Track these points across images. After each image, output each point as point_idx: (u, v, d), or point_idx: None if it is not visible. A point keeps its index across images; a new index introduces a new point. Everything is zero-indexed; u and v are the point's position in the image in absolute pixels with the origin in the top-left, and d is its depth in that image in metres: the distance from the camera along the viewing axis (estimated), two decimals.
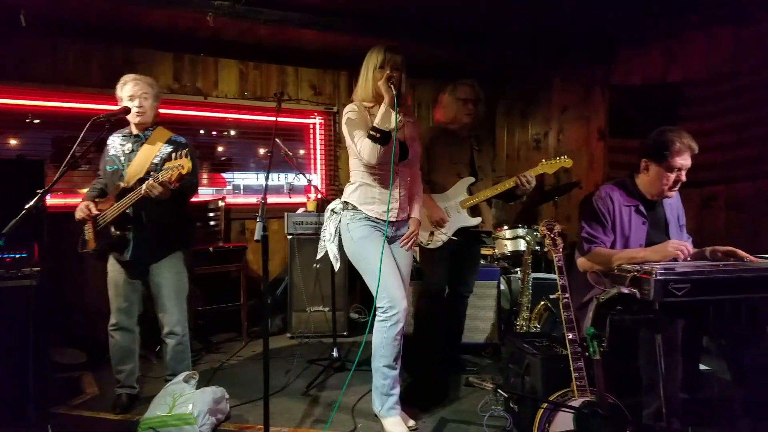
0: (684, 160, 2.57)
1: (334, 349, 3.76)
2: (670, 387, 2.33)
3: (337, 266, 2.90)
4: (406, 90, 2.71)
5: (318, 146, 5.30)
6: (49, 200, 3.91)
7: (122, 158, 3.02)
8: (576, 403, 2.35)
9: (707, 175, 4.08)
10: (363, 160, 2.65)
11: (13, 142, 4.26)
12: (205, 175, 4.99)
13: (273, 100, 4.92)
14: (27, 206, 2.47)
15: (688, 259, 2.48)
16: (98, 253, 3.05)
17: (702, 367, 3.03)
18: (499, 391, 1.90)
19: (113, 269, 3.07)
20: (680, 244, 2.46)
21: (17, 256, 2.91)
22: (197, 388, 2.98)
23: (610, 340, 2.55)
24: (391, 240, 2.82)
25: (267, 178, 2.53)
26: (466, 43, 4.55)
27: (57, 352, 3.83)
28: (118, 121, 2.94)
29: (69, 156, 2.70)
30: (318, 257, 2.93)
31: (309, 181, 3.54)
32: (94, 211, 2.97)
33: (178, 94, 4.59)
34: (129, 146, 3.03)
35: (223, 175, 5.11)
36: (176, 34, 4.25)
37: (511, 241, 4.36)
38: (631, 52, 4.61)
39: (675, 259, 2.48)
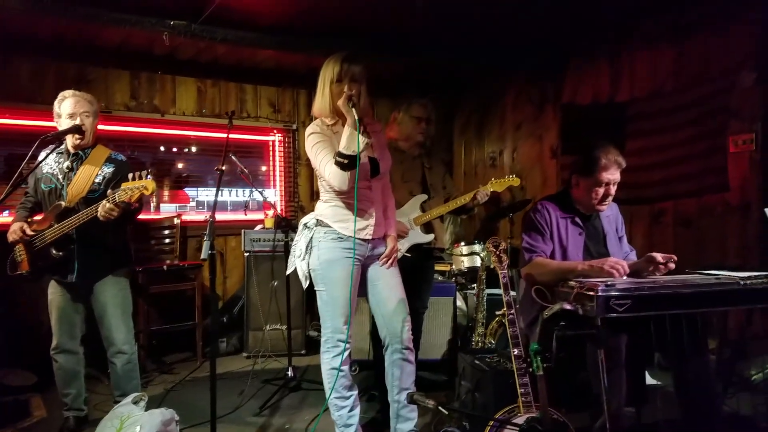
0: (611, 175, 2.65)
1: (289, 369, 3.74)
2: (614, 401, 2.38)
3: (305, 285, 2.66)
4: (365, 101, 2.52)
5: (277, 163, 5.32)
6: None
7: (60, 176, 2.93)
8: (521, 419, 2.39)
9: (656, 192, 4.22)
10: (333, 188, 2.48)
11: None
12: (166, 192, 4.93)
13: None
14: None
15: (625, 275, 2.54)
16: (33, 275, 2.92)
17: (651, 381, 3.13)
18: (440, 408, 1.92)
19: (54, 291, 2.98)
20: (617, 262, 2.51)
21: None
22: (146, 410, 2.91)
23: (558, 356, 2.62)
24: (368, 259, 2.66)
25: (216, 195, 2.53)
26: (418, 60, 4.62)
27: (5, 374, 3.72)
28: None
29: (16, 175, 2.66)
30: (287, 272, 2.78)
31: (265, 198, 3.55)
32: (29, 232, 2.86)
33: (135, 111, 4.56)
34: (67, 164, 2.93)
35: (187, 191, 5.06)
36: (133, 52, 4.24)
37: (468, 257, 4.43)
38: (580, 71, 4.74)
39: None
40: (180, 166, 5.12)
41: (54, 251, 2.84)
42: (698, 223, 3.95)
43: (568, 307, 2.43)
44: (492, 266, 2.76)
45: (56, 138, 2.84)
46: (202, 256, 2.32)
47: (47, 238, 2.83)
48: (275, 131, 5.28)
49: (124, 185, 2.67)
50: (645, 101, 4.24)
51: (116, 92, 4.48)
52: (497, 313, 3.81)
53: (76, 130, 2.89)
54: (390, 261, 2.67)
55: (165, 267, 4.22)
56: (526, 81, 5.25)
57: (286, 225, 3.69)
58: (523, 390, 2.45)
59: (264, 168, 5.36)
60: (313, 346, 4.66)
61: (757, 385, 3.21)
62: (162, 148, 4.98)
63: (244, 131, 5.07)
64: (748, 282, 2.41)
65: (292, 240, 3.86)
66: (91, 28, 3.72)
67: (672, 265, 2.54)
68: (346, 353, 2.55)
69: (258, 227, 4.61)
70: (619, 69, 4.44)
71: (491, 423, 2.43)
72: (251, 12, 3.73)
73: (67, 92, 2.98)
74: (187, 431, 3.05)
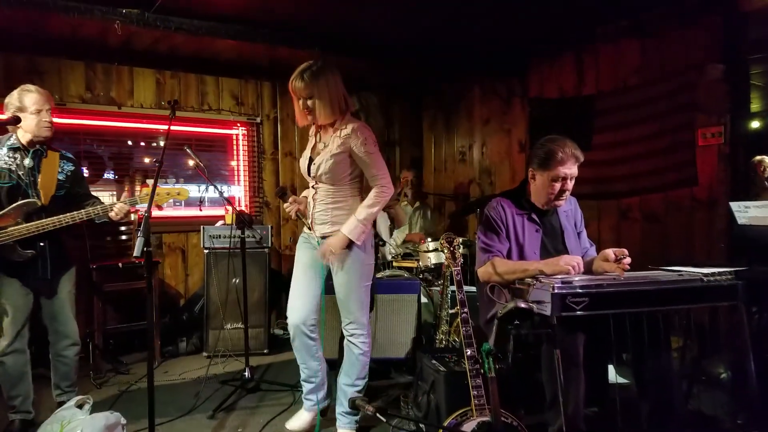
0: (568, 169, 2.58)
1: (246, 369, 3.62)
2: (571, 403, 2.32)
3: None
4: (320, 109, 2.67)
5: (241, 157, 5.18)
6: None
7: (21, 173, 2.85)
8: (473, 423, 2.30)
9: (623, 187, 4.18)
10: None
11: None
12: (126, 187, 4.77)
13: (192, 110, 4.79)
14: None
15: (581, 273, 2.47)
16: None
17: (618, 379, 3.06)
18: (378, 416, 1.82)
19: (11, 290, 2.86)
20: (572, 259, 2.46)
21: None
22: (92, 413, 2.79)
23: (515, 356, 2.55)
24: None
25: (154, 189, 2.42)
26: (384, 55, 4.54)
27: None
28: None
29: None
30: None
31: (221, 193, 3.41)
32: None
33: (90, 104, 4.40)
34: (28, 161, 2.88)
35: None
36: (86, 42, 4.06)
37: (434, 253, 4.34)
38: (547, 65, 4.71)
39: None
40: (147, 160, 4.95)
41: (21, 249, 2.79)
42: (665, 218, 3.93)
43: (522, 305, 2.37)
44: (445, 262, 2.68)
45: None
46: (135, 254, 2.19)
47: (11, 235, 2.76)
48: (239, 125, 5.15)
49: (159, 189, 2.86)
50: (611, 96, 4.22)
51: (70, 84, 4.32)
52: (450, 311, 3.73)
53: (15, 121, 2.80)
54: (319, 254, 2.77)
55: (120, 264, 4.07)
56: (493, 75, 5.19)
57: (244, 221, 3.55)
58: (475, 392, 2.38)
59: (234, 163, 5.22)
60: (276, 345, 4.57)
61: (726, 383, 3.16)
62: (130, 142, 4.81)
63: (205, 124, 4.92)
64: (711, 279, 2.37)
65: (249, 236, 3.79)
66: (39, 17, 3.55)
67: (627, 260, 2.47)
68: (296, 341, 2.89)
69: (219, 223, 4.50)
70: (585, 63, 4.40)
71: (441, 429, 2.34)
72: (207, 0, 3.60)
73: (31, 86, 2.92)
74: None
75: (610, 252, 2.51)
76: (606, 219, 4.28)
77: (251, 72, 4.93)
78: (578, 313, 2.24)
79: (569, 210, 2.83)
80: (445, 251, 2.62)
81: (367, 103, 3.51)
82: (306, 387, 2.98)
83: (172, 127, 4.63)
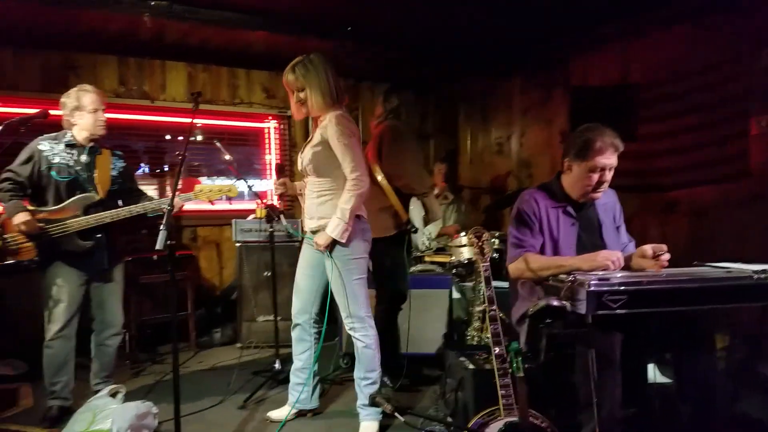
0: (606, 159, 2.43)
1: (277, 361, 3.62)
2: (606, 405, 2.21)
3: None
4: (311, 101, 2.75)
5: (273, 151, 5.18)
6: None
7: (78, 168, 3.01)
8: (500, 423, 2.21)
9: (669, 179, 3.99)
10: None
11: None
12: (168, 182, 4.83)
13: (224, 104, 4.81)
14: None
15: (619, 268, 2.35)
16: (43, 263, 2.96)
17: (660, 378, 2.91)
18: (396, 415, 1.76)
19: (66, 278, 2.99)
20: (611, 254, 2.33)
21: None
22: (125, 401, 2.85)
23: (548, 355, 2.45)
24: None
25: (176, 182, 2.41)
26: (417, 46, 4.45)
27: None
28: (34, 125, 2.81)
29: None
30: None
31: (250, 188, 3.41)
32: (38, 224, 2.89)
33: (124, 98, 4.47)
34: (85, 158, 3.04)
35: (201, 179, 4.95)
36: (118, 36, 4.11)
37: (467, 248, 4.22)
38: (590, 53, 4.52)
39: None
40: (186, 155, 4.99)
41: (80, 240, 2.95)
42: (714, 212, 3.72)
43: (554, 303, 2.26)
44: (474, 258, 2.59)
45: (22, 123, 2.74)
46: (158, 247, 2.19)
47: (71, 227, 2.92)
48: (270, 117, 5.14)
49: (211, 186, 2.98)
50: (658, 84, 4.02)
51: (104, 78, 4.40)
52: (477, 308, 3.65)
53: (43, 115, 2.83)
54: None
55: (155, 257, 4.13)
56: (533, 64, 5.02)
57: (272, 215, 3.54)
58: (503, 392, 2.27)
59: (268, 157, 5.23)
60: None
61: None
62: (168, 137, 4.87)
63: (238, 118, 4.93)
64: (762, 276, 2.19)
65: (277, 230, 3.79)
66: (71, 13, 3.61)
67: (665, 257, 2.33)
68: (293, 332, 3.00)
69: (250, 217, 4.51)
70: (630, 51, 4.20)
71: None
72: None
73: (88, 87, 3.07)
74: (170, 423, 2.94)
75: (647, 248, 2.37)
76: (650, 213, 4.09)
77: (282, 64, 4.87)
78: (615, 311, 2.11)
79: (608, 203, 2.68)
80: (474, 246, 2.52)
81: (405, 100, 3.46)
82: (292, 380, 3.03)
83: (206, 122, 4.72)
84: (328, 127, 2.69)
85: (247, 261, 4.30)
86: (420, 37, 4.41)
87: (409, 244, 3.41)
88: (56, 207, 2.97)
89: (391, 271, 3.42)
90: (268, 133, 5.18)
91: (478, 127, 5.81)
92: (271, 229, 3.65)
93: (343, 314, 2.84)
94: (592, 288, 2.10)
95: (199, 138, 4.93)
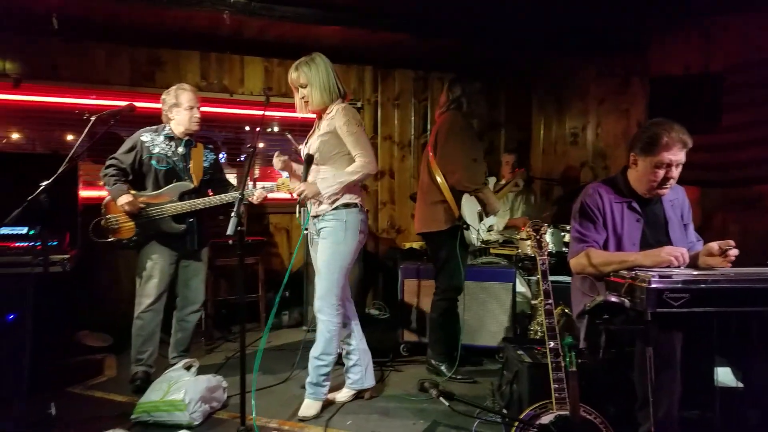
0: (673, 155, 2.35)
1: (340, 345, 3.73)
2: (663, 405, 2.16)
3: None
4: (312, 97, 2.89)
5: None
6: (82, 193, 4.12)
7: (176, 159, 3.31)
8: (551, 415, 2.21)
9: (754, 172, 3.74)
10: None
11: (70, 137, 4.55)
12: (257, 170, 5.11)
13: None
14: (29, 198, 2.61)
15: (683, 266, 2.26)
16: (139, 242, 3.28)
17: (728, 383, 2.78)
18: (441, 399, 1.81)
19: (159, 256, 3.29)
20: (675, 249, 2.26)
21: (49, 244, 3.02)
22: (197, 375, 3.05)
23: (607, 351, 2.41)
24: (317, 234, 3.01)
25: (246, 172, 2.55)
26: (488, 34, 4.40)
27: (86, 336, 4.06)
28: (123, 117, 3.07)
29: (72, 151, 2.84)
30: None
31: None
32: (140, 206, 3.20)
33: (205, 91, 4.71)
34: (182, 149, 3.34)
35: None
36: (200, 33, 4.36)
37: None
38: (670, 39, 4.29)
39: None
40: (261, 145, 5.24)
41: (174, 224, 3.25)
42: None
43: (612, 299, 2.23)
44: (531, 252, 2.57)
45: (112, 116, 3.00)
46: (228, 232, 2.35)
47: (167, 211, 3.23)
48: None
49: (280, 180, 3.23)
50: (743, 70, 3.75)
51: (188, 73, 4.68)
52: (533, 302, 3.59)
53: (131, 109, 3.11)
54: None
55: (230, 242, 4.36)
56: (609, 52, 4.82)
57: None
58: (556, 385, 2.26)
59: None
60: (371, 324, 4.65)
61: None
62: (247, 128, 5.11)
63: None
64: None
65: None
66: (156, 11, 3.86)
67: (733, 252, 2.22)
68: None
69: None
70: (712, 36, 3.95)
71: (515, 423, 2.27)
72: None
73: (185, 85, 3.38)
74: (237, 397, 3.13)
75: (714, 245, 2.27)
76: (730, 209, 3.86)
77: (353, 57, 5.02)
78: (676, 309, 2.06)
79: (676, 199, 2.59)
80: (531, 240, 2.51)
81: (469, 90, 3.45)
82: (345, 363, 3.19)
83: (281, 114, 4.89)
84: (335, 117, 2.85)
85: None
86: (491, 25, 4.35)
87: (462, 239, 3.41)
88: (155, 192, 3.28)
89: (445, 264, 3.47)
90: None
91: (552, 117, 5.66)
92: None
93: (316, 294, 2.94)
94: (653, 285, 2.07)
95: (276, 129, 5.14)
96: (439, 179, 3.42)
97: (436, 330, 3.55)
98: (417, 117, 5.52)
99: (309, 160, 2.88)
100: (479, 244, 3.42)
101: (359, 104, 5.22)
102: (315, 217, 2.98)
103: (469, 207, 3.40)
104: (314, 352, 2.98)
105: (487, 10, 4.10)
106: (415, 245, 4.83)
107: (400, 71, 5.41)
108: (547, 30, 4.47)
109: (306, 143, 3.03)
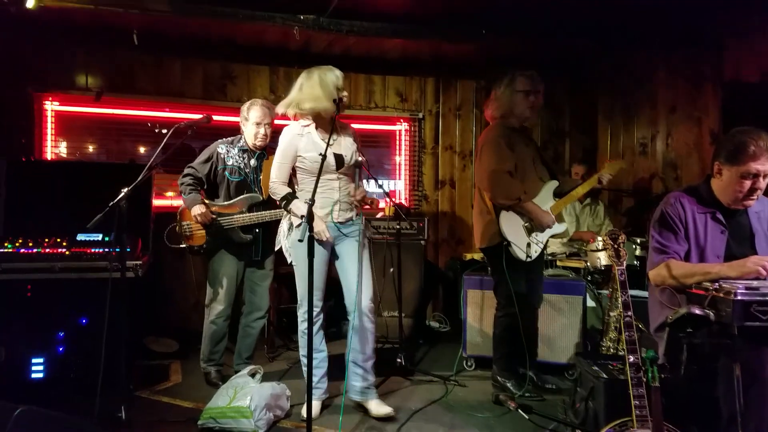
0: (761, 165, 2.24)
1: (401, 356, 3.72)
2: (752, 424, 2.06)
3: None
4: None
5: (403, 152, 5.33)
6: (156, 201, 4.29)
7: (248, 171, 3.42)
8: None
9: None
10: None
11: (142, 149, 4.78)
12: None
13: (360, 108, 5.07)
14: (110, 204, 2.73)
15: None
16: (209, 250, 3.41)
17: None
18: (519, 411, 1.75)
19: (228, 265, 3.42)
20: (762, 259, 2.14)
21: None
22: (262, 382, 3.11)
23: (689, 367, 2.29)
24: (337, 239, 3.10)
25: (317, 184, 2.58)
26: (555, 39, 4.34)
27: (152, 341, 4.17)
28: (199, 128, 3.20)
29: (151, 160, 2.98)
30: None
31: (380, 186, 3.58)
32: (211, 216, 3.32)
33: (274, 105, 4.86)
34: (254, 162, 3.44)
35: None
36: (269, 48, 4.53)
37: (605, 253, 4.00)
38: (746, 43, 4.07)
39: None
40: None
41: (242, 234, 3.36)
42: None
43: (696, 311, 2.13)
44: (609, 263, 2.47)
45: (189, 127, 3.13)
46: (299, 237, 2.38)
47: (236, 221, 3.34)
48: (401, 120, 5.30)
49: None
50: None
51: (257, 87, 4.82)
52: (611, 314, 3.44)
53: (207, 120, 3.23)
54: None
55: None
56: (680, 57, 4.63)
57: (400, 213, 3.66)
58: (637, 402, 2.16)
59: (398, 158, 5.38)
60: (431, 337, 4.63)
61: None
62: None
63: (371, 121, 5.15)
64: None
65: (405, 228, 3.90)
66: (229, 27, 4.03)
67: None
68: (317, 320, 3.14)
69: (379, 215, 4.66)
70: None
71: None
72: (375, 2, 3.80)
73: (258, 101, 3.46)
74: (300, 407, 3.15)
75: None
76: None
77: (415, 69, 5.07)
78: (765, 323, 1.98)
79: (762, 211, 2.46)
80: (609, 249, 2.41)
81: (538, 81, 3.36)
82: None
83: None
84: (353, 133, 3.10)
85: (374, 257, 4.43)
86: (556, 28, 4.31)
87: (509, 256, 3.25)
88: (226, 203, 3.40)
89: (497, 280, 3.41)
90: (399, 134, 5.35)
91: (620, 125, 5.47)
92: (398, 227, 3.75)
93: (364, 295, 3.14)
94: (739, 297, 2.01)
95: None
96: (480, 195, 3.39)
97: (499, 346, 3.46)
98: (478, 127, 5.48)
99: (358, 165, 3.01)
100: (525, 258, 3.27)
101: (420, 115, 5.25)
102: (342, 222, 3.05)
103: (512, 221, 3.27)
104: (367, 351, 3.11)
105: (551, 15, 4.06)
106: (477, 256, 4.75)
107: (462, 81, 5.40)
108: (612, 32, 4.38)
109: (335, 149, 2.98)
